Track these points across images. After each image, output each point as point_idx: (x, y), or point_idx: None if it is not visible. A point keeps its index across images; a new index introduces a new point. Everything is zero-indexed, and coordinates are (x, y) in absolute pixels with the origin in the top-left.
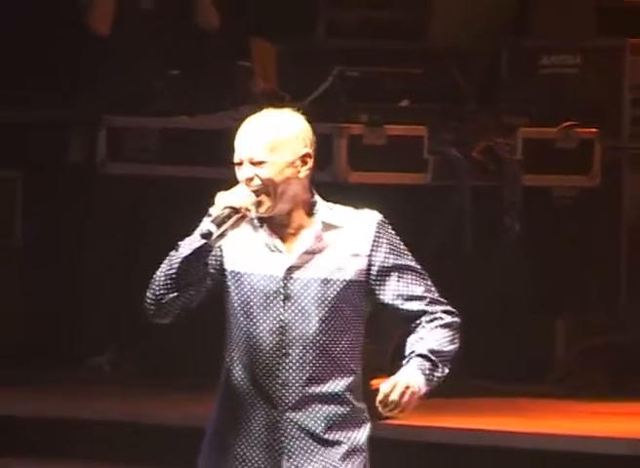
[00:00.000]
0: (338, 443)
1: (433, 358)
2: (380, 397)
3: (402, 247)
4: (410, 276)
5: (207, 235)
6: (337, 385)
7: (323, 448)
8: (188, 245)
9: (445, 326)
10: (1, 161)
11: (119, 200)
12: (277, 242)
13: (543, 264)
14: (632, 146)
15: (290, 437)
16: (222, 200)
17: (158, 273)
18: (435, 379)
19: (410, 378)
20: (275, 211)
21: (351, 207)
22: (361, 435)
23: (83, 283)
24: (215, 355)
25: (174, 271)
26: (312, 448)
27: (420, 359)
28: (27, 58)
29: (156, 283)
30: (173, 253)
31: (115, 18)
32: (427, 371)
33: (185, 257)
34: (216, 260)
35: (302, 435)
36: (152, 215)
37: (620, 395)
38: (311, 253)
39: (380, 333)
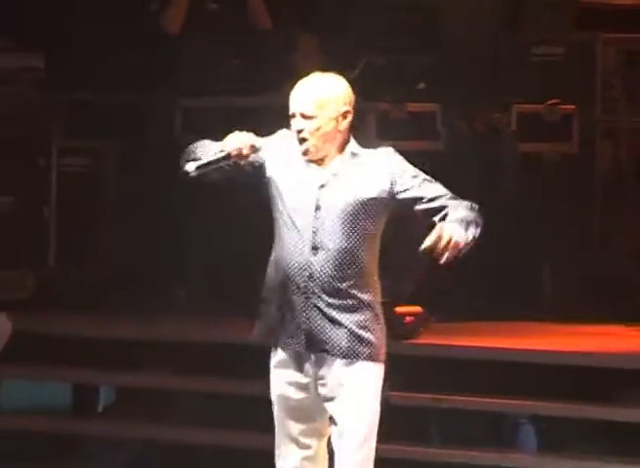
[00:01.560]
0: (345, 326)
1: (464, 222)
2: (427, 244)
3: (411, 166)
4: (426, 183)
5: (186, 172)
6: (353, 282)
7: (335, 330)
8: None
9: (467, 207)
10: (97, 133)
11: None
12: (314, 166)
13: (533, 215)
14: (603, 120)
15: (311, 318)
16: (226, 145)
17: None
18: (469, 238)
19: (452, 230)
20: (317, 155)
21: None
22: (369, 323)
23: (162, 230)
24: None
25: (207, 156)
26: (327, 329)
27: (454, 222)
28: (118, 51)
29: (189, 153)
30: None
31: (185, 18)
32: (464, 228)
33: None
34: (258, 166)
35: (320, 316)
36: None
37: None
38: (339, 174)
39: (404, 267)
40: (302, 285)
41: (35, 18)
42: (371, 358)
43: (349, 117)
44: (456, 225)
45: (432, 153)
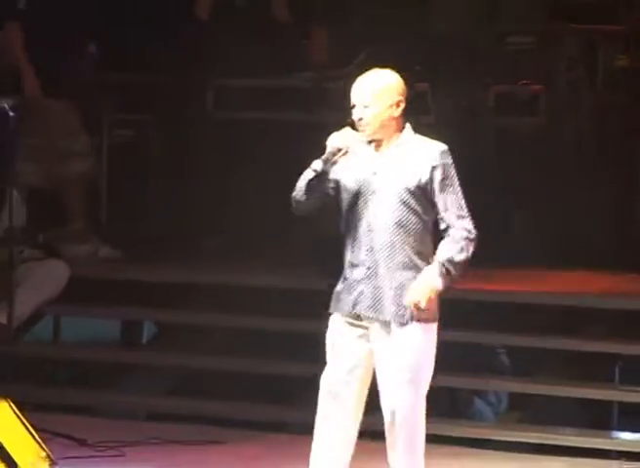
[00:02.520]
0: (397, 293)
1: (447, 265)
2: (408, 304)
3: (452, 171)
4: (449, 195)
5: (317, 170)
6: (406, 256)
7: (389, 297)
8: (308, 173)
9: (460, 238)
10: (141, 108)
11: (222, 136)
12: (372, 154)
13: (508, 176)
14: (568, 97)
15: (371, 287)
16: (332, 141)
17: (297, 185)
18: (449, 279)
19: (425, 284)
20: (375, 136)
21: None
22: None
23: (195, 190)
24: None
25: (303, 185)
26: (384, 297)
27: (438, 264)
28: (158, 37)
29: (294, 191)
30: (303, 173)
31: (216, 10)
32: (444, 272)
33: (309, 180)
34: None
35: (378, 286)
36: (243, 145)
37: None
38: (392, 162)
39: None
40: (363, 259)
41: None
42: (420, 320)
43: (402, 105)
44: (429, 275)
45: (424, 125)
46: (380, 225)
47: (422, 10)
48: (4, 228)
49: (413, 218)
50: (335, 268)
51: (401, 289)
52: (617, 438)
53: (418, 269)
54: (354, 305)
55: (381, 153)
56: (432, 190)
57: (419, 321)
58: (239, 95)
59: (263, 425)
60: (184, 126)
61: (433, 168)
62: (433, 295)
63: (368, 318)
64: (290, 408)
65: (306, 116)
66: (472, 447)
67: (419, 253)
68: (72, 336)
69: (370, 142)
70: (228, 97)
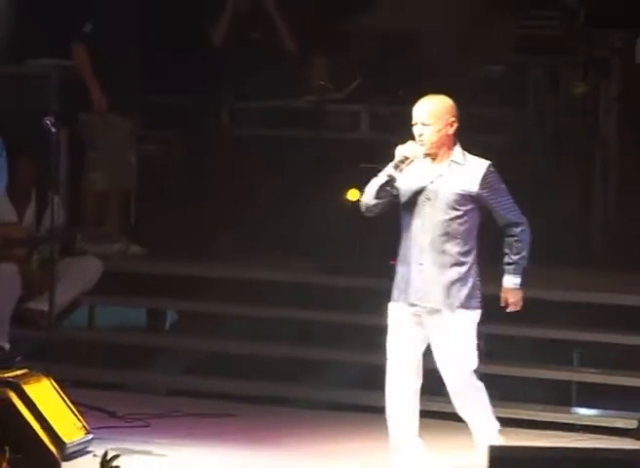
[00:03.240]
0: (444, 285)
1: (521, 263)
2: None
3: (499, 179)
4: (501, 201)
5: (390, 176)
6: (454, 252)
7: (439, 288)
8: (380, 177)
9: (518, 240)
10: (167, 125)
11: (236, 149)
12: (427, 166)
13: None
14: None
15: (424, 280)
16: (400, 151)
17: (366, 190)
18: (521, 272)
19: (512, 290)
20: (432, 150)
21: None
22: (462, 281)
23: (213, 195)
24: None
25: (374, 190)
26: (434, 288)
27: (509, 268)
28: (181, 65)
29: (364, 196)
30: (373, 179)
31: (234, 41)
32: (516, 272)
33: (380, 185)
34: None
35: (429, 279)
36: (254, 157)
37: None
38: (445, 174)
39: None
40: (418, 256)
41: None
42: (463, 306)
43: (455, 126)
44: (510, 278)
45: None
46: (432, 228)
47: (408, 43)
48: (46, 228)
49: (461, 223)
50: (330, 266)
51: (450, 282)
52: (575, 413)
53: (463, 264)
54: (410, 296)
55: (437, 165)
56: (486, 198)
57: (463, 308)
58: (251, 114)
59: (270, 400)
60: (202, 140)
61: (484, 178)
62: (521, 295)
63: (423, 307)
64: (293, 385)
65: (307, 133)
66: (447, 419)
67: (464, 253)
68: (104, 323)
69: (426, 156)
70: (241, 115)
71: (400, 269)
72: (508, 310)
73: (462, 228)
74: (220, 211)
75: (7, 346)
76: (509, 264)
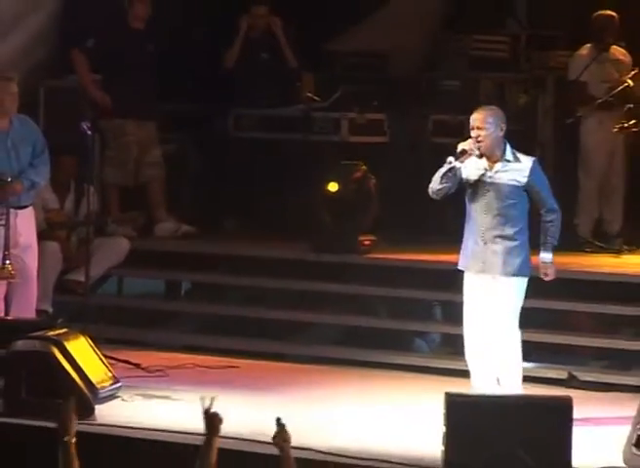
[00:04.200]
0: (502, 256)
1: (553, 242)
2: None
3: (542, 173)
4: (544, 190)
5: (452, 164)
6: (509, 232)
7: (498, 259)
8: (444, 168)
9: (553, 224)
10: (180, 128)
11: (239, 150)
12: (485, 163)
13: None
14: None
15: (487, 253)
16: (460, 145)
17: (433, 178)
18: (553, 248)
19: (548, 263)
20: (487, 151)
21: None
22: (515, 253)
23: (221, 184)
24: None
25: (438, 177)
26: (494, 259)
27: (546, 246)
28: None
29: (432, 183)
30: (439, 170)
31: (244, 59)
32: (550, 248)
33: (444, 173)
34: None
35: (491, 252)
36: (253, 155)
37: None
38: (500, 169)
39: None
40: (481, 234)
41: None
42: (515, 274)
43: (504, 128)
44: (548, 254)
45: (381, 144)
46: (491, 212)
47: (381, 61)
48: (83, 214)
49: (513, 207)
50: (320, 244)
51: (507, 253)
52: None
53: (515, 240)
54: (476, 266)
55: (494, 163)
56: (533, 186)
57: (516, 275)
58: (251, 119)
59: (268, 355)
60: (212, 142)
61: (531, 171)
62: (554, 268)
63: (488, 274)
64: (287, 343)
65: (297, 135)
66: (413, 372)
67: (517, 231)
68: (130, 291)
69: (481, 156)
70: (244, 121)
71: (467, 244)
72: (547, 279)
73: (515, 212)
74: (226, 198)
75: (51, 310)
76: (546, 243)
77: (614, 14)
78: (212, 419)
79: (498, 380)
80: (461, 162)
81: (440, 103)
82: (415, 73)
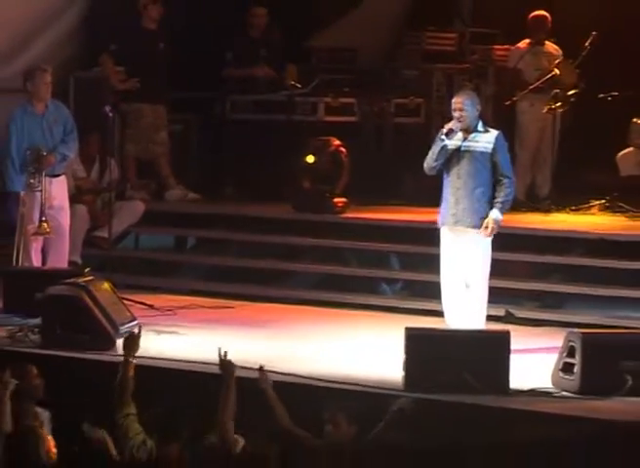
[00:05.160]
0: (473, 211)
1: (501, 204)
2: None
3: (504, 144)
4: (503, 158)
5: (444, 142)
6: (478, 191)
7: (470, 214)
8: (436, 146)
9: (507, 188)
10: (187, 111)
11: (235, 128)
12: (461, 134)
13: (403, 152)
14: (437, 107)
15: (460, 209)
16: (446, 126)
17: (427, 157)
18: (503, 212)
19: (492, 218)
20: (466, 126)
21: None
22: (485, 210)
23: (221, 158)
24: None
25: (433, 156)
26: (466, 214)
27: (497, 205)
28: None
29: (426, 161)
30: (432, 148)
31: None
32: (499, 208)
33: (437, 152)
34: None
35: (462, 208)
36: (247, 133)
37: None
38: (473, 138)
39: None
40: (455, 194)
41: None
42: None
43: (479, 108)
44: (494, 212)
45: (351, 123)
46: (464, 174)
47: (351, 54)
48: (107, 182)
49: (482, 170)
50: (300, 205)
51: (477, 210)
52: None
53: (483, 198)
54: (451, 220)
55: (468, 132)
56: (495, 153)
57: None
58: (245, 103)
59: (259, 298)
60: (212, 122)
61: (496, 140)
62: (497, 225)
63: (460, 227)
64: (275, 288)
65: (284, 117)
66: (378, 311)
67: (483, 190)
68: (145, 245)
69: (462, 130)
70: (238, 105)
71: (443, 204)
72: (483, 234)
73: (484, 175)
74: (224, 169)
75: (80, 261)
76: (496, 203)
77: (547, 14)
78: (227, 366)
79: (465, 318)
80: (450, 139)
81: (400, 89)
82: (379, 64)
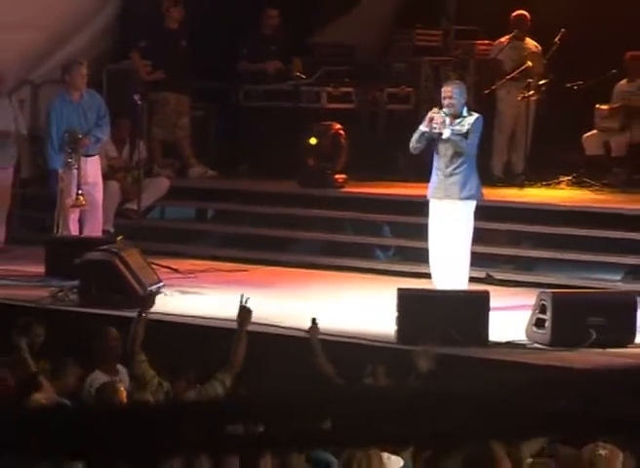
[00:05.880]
0: (455, 183)
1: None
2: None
3: (479, 127)
4: (474, 134)
5: (424, 130)
6: (463, 167)
7: (453, 185)
8: (417, 132)
9: (463, 149)
10: (206, 99)
11: (248, 114)
12: (448, 119)
13: (393, 135)
14: (425, 95)
15: (446, 182)
16: (429, 115)
17: (412, 140)
18: (453, 137)
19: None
20: (454, 112)
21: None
22: (468, 182)
23: (237, 140)
24: None
25: (415, 140)
26: (450, 186)
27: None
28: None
29: (411, 143)
30: (416, 132)
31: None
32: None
33: (418, 136)
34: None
35: (448, 181)
36: (259, 118)
37: None
38: (458, 122)
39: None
40: (443, 170)
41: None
42: (468, 198)
43: (466, 97)
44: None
45: (349, 110)
46: (450, 154)
47: (349, 49)
48: (136, 161)
49: (465, 148)
50: (305, 181)
51: (462, 183)
52: None
53: (467, 173)
54: (439, 193)
55: (454, 117)
56: (470, 130)
57: (470, 199)
58: (257, 93)
59: (268, 262)
60: (229, 109)
61: (474, 121)
62: (442, 125)
63: (448, 199)
64: (282, 253)
65: (291, 104)
66: (373, 274)
67: (469, 165)
68: (170, 216)
69: (447, 115)
70: (251, 94)
71: (432, 178)
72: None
73: (467, 152)
74: (239, 150)
75: (112, 230)
76: (455, 133)
77: (526, 13)
78: (245, 312)
79: (450, 279)
80: (431, 129)
81: (392, 80)
82: (374, 58)
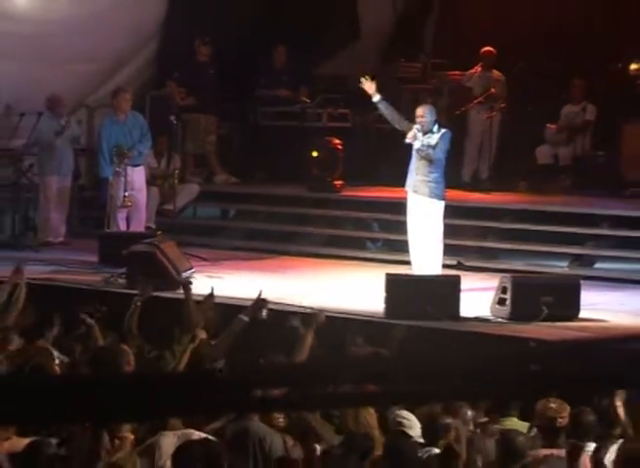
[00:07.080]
0: (424, 181)
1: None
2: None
3: (446, 141)
4: (440, 146)
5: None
6: (432, 169)
7: (422, 183)
8: (398, 127)
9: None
10: (230, 121)
11: (265, 134)
12: (421, 134)
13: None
14: None
15: (416, 180)
16: (409, 134)
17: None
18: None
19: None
20: (426, 129)
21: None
22: (435, 180)
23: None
24: None
25: (390, 118)
26: (419, 183)
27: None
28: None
29: (391, 121)
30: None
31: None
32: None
33: (391, 117)
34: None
35: (417, 179)
36: (272, 133)
37: None
38: (428, 136)
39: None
40: (415, 172)
41: None
42: (433, 197)
43: (435, 116)
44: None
45: (346, 127)
46: (421, 158)
47: (342, 80)
48: (172, 169)
49: (434, 155)
50: (310, 186)
51: (429, 183)
52: None
53: (435, 176)
54: (413, 190)
55: (425, 132)
56: (437, 143)
57: (435, 198)
58: (271, 114)
59: (281, 252)
60: (248, 127)
61: (441, 135)
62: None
63: (419, 195)
64: (292, 244)
65: (298, 123)
66: (366, 262)
67: (438, 170)
68: (200, 215)
69: (419, 131)
70: (265, 114)
71: (409, 174)
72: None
73: (436, 159)
74: (257, 161)
75: (154, 226)
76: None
77: (492, 49)
78: (262, 302)
79: (427, 266)
80: (409, 137)
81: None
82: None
